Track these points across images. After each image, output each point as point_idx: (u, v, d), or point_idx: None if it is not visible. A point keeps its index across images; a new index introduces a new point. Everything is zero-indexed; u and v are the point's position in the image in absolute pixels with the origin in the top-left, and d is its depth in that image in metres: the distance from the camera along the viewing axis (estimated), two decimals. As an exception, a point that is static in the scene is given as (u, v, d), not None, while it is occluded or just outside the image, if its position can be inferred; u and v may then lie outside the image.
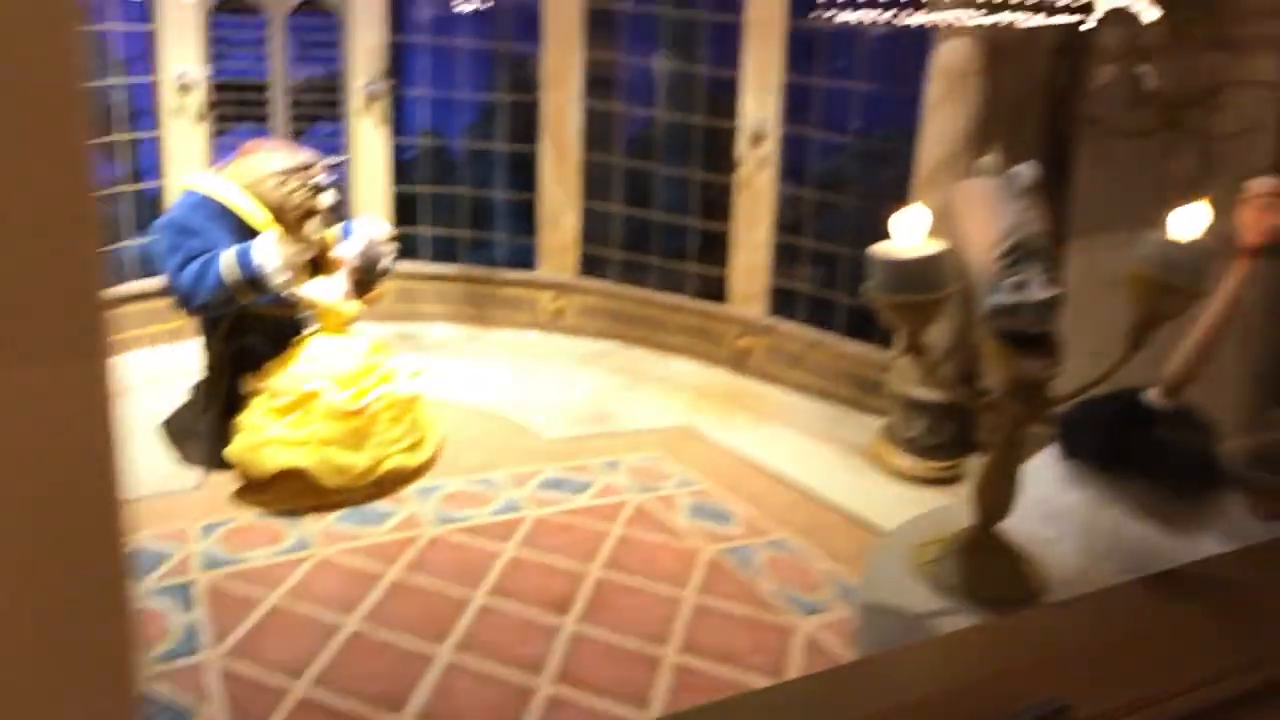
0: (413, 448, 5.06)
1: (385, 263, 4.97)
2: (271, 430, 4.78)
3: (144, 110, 6.26)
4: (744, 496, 5.23)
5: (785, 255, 6.61)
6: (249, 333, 5.01)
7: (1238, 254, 3.75)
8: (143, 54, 6.16)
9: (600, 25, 6.81)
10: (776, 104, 6.42)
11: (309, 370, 4.84)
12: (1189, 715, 1.56)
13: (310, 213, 4.95)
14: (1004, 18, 4.94)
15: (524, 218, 7.14)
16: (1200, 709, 1.57)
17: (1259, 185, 3.72)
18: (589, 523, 4.88)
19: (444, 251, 7.22)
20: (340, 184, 5.10)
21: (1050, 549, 3.74)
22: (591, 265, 7.15)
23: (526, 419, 5.89)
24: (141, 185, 6.26)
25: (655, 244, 7.01)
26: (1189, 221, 3.01)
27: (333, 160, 5.17)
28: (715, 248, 6.82)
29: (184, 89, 6.20)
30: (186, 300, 4.79)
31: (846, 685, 1.97)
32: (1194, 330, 3.80)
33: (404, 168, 7.06)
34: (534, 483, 5.21)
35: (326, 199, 4.95)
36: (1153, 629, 1.90)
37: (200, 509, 4.76)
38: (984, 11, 4.84)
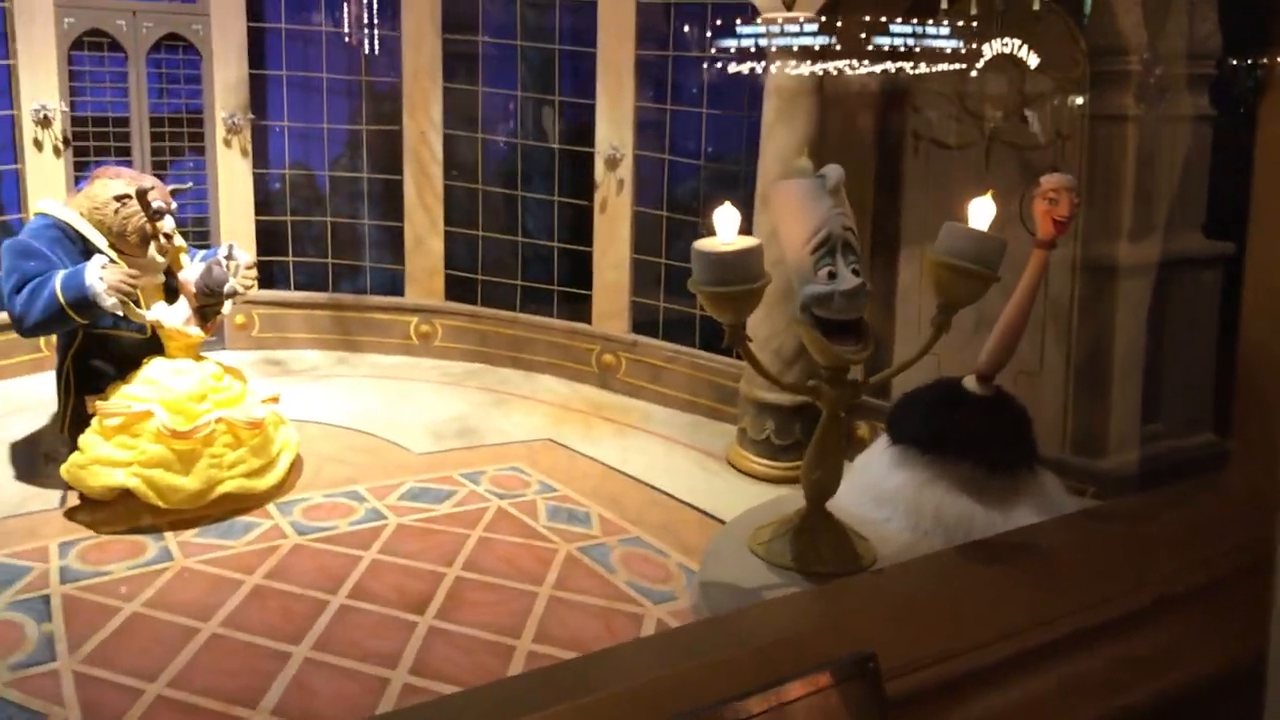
0: (258, 472, 5.04)
1: (229, 287, 5.02)
2: (99, 450, 4.80)
3: (5, 144, 6.28)
4: (602, 500, 5.44)
5: (643, 274, 6.90)
6: (96, 355, 5.06)
7: (1035, 246, 4.14)
8: (2, 88, 6.20)
9: (458, 58, 7.06)
10: (629, 129, 6.73)
11: (141, 392, 4.89)
12: (989, 667, 1.70)
13: (150, 237, 5.03)
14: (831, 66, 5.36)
15: (391, 245, 7.31)
16: (999, 661, 1.72)
17: (1047, 181, 4.11)
18: (450, 528, 5.03)
19: (312, 279, 7.34)
20: (177, 210, 5.16)
21: (881, 528, 4.03)
22: (457, 289, 7.34)
23: (393, 436, 6.03)
24: (4, 218, 6.27)
25: (520, 267, 7.24)
26: (981, 213, 3.33)
27: (177, 186, 5.26)
28: (578, 269, 7.08)
29: (43, 122, 6.25)
30: (19, 321, 4.83)
31: (662, 646, 2.13)
32: (999, 320, 4.17)
33: (271, 198, 7.18)
34: (396, 494, 5.34)
35: (166, 224, 5.04)
36: (959, 591, 2.08)
37: (60, 527, 4.78)
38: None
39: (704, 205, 6.51)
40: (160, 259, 5.06)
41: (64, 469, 4.82)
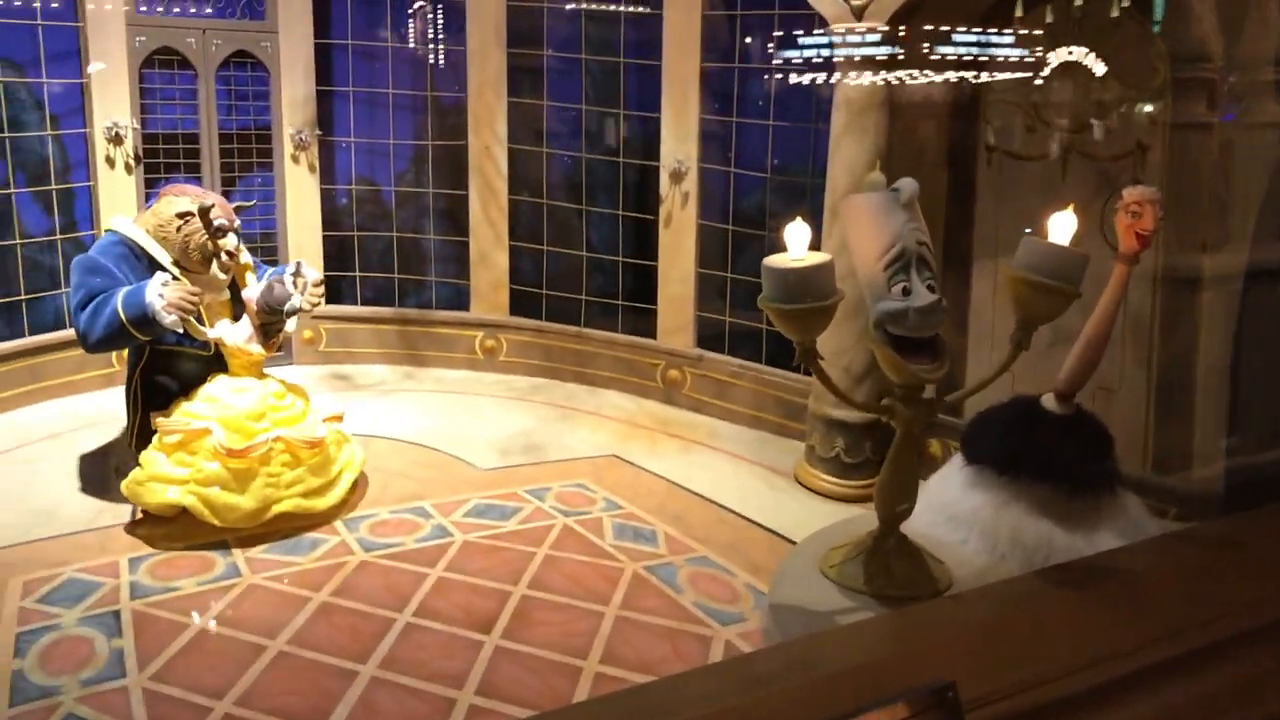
0: (316, 492, 5.01)
1: (290, 305, 5.01)
2: (158, 466, 4.83)
3: (79, 161, 6.39)
4: (668, 518, 5.37)
5: (709, 288, 6.83)
6: (162, 371, 5.10)
7: (1117, 261, 4.00)
8: (78, 107, 6.30)
9: (523, 72, 7.06)
10: (694, 142, 6.67)
11: (201, 409, 4.90)
12: (1072, 697, 1.65)
13: (212, 254, 5.06)
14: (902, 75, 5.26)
15: (456, 260, 7.32)
16: (1082, 691, 1.66)
17: (1130, 193, 3.97)
18: (515, 545, 4.99)
19: (379, 294, 7.37)
20: (240, 227, 5.17)
21: (956, 550, 3.90)
22: (522, 304, 7.33)
23: (458, 452, 6.01)
24: (78, 234, 6.38)
25: (584, 281, 7.21)
26: (1061, 227, 3.21)
27: (240, 204, 5.28)
28: (642, 283, 7.03)
29: (115, 139, 6.35)
30: (84, 338, 4.88)
31: (733, 673, 2.06)
32: (1080, 336, 4.03)
33: (338, 214, 7.23)
34: (462, 510, 5.32)
35: (229, 241, 5.06)
36: (1040, 617, 1.99)
37: (130, 542, 4.81)
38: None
39: (770, 219, 6.42)
40: (223, 276, 5.08)
41: (125, 484, 4.86)
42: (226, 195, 6.86)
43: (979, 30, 5.29)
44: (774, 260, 3.06)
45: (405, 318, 7.32)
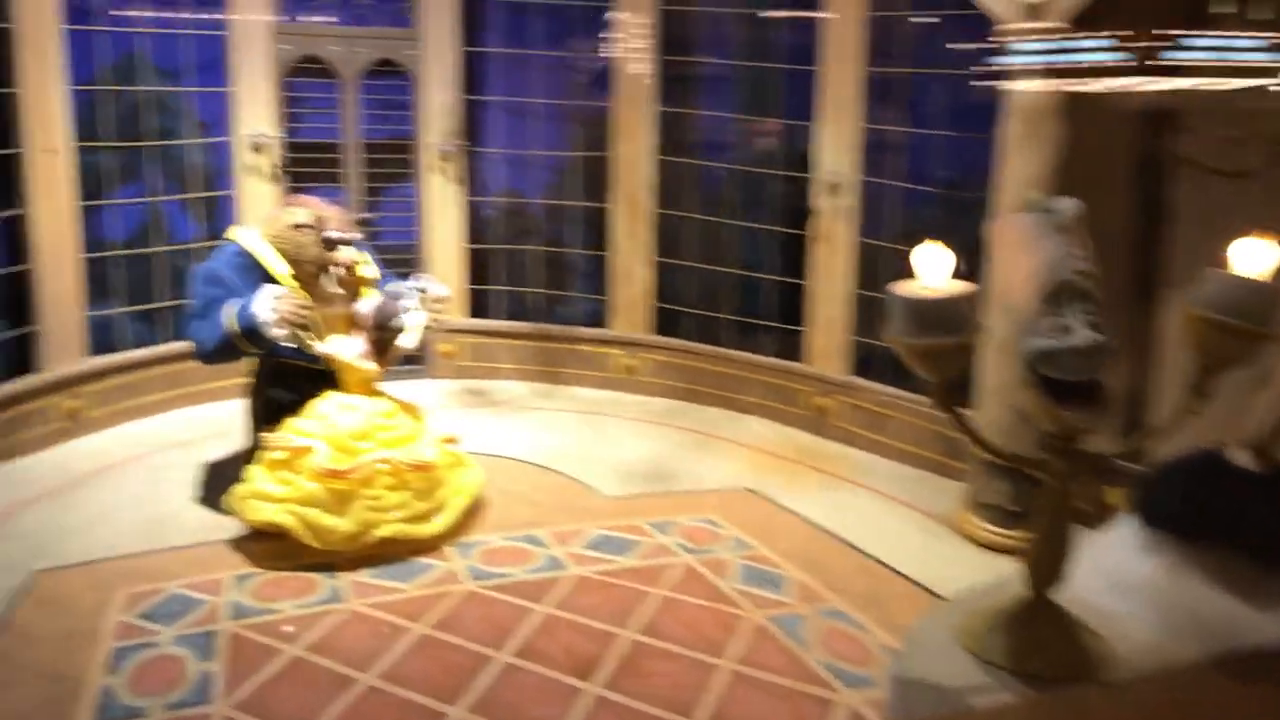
0: (421, 517, 4.79)
1: (400, 321, 4.82)
2: (261, 483, 4.70)
3: (224, 170, 6.44)
4: (802, 562, 4.91)
5: (866, 310, 6.34)
6: (280, 384, 5.00)
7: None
8: (224, 116, 6.35)
9: (673, 79, 6.75)
10: (853, 153, 6.20)
11: (308, 426, 4.76)
12: None
13: (326, 267, 4.91)
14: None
15: (598, 275, 7.07)
16: None
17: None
18: (630, 584, 4.64)
19: (518, 309, 7.19)
20: (358, 241, 5.02)
21: (1120, 623, 3.35)
22: (665, 322, 7.01)
23: (584, 477, 5.72)
24: (219, 242, 6.41)
25: (730, 300, 6.83)
26: (1253, 257, 2.71)
27: (361, 216, 5.13)
28: (792, 304, 6.59)
29: (258, 149, 6.36)
30: (198, 348, 4.83)
31: None
32: (1277, 380, 3.42)
33: (479, 225, 7.08)
34: (579, 541, 5.01)
35: (344, 254, 4.91)
36: (1220, 712, 1.80)
37: (238, 558, 4.71)
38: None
39: (937, 236, 5.85)
40: (337, 290, 4.93)
41: (229, 499, 4.77)
42: (368, 207, 6.83)
43: (1174, 29, 4.65)
44: (903, 287, 2.66)
45: (544, 333, 7.11)
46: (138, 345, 6.23)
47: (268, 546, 4.72)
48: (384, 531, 4.65)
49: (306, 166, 6.64)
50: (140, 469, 5.62)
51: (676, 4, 6.71)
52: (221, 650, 4.05)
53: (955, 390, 2.72)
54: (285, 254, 4.90)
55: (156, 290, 6.23)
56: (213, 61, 6.28)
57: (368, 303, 4.89)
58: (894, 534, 5.25)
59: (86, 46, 5.88)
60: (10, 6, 5.44)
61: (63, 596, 4.37)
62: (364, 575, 4.62)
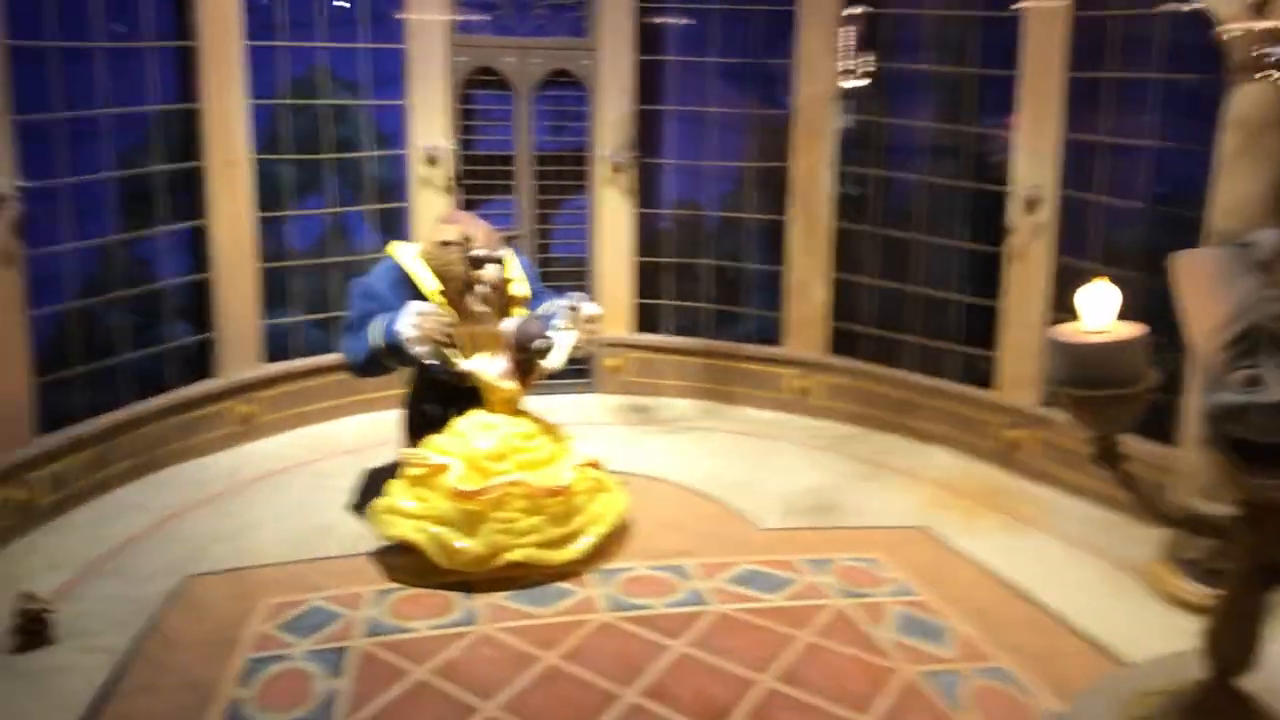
0: (555, 543, 4.61)
1: (540, 344, 4.67)
2: (398, 498, 4.66)
3: (401, 182, 6.53)
4: (968, 612, 4.48)
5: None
6: (432, 399, 4.97)
7: None
8: (401, 128, 6.44)
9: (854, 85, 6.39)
10: (1054, 165, 5.67)
11: (446, 444, 4.68)
12: None
13: (471, 285, 4.83)
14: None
15: (772, 291, 6.77)
16: None
17: None
18: (775, 625, 4.33)
19: (688, 324, 6.97)
20: (507, 258, 4.91)
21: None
22: (842, 342, 6.63)
23: (741, 505, 5.44)
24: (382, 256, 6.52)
25: (913, 320, 6.39)
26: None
27: (510, 234, 5.02)
28: (982, 326, 6.10)
29: (432, 161, 6.40)
30: (350, 360, 4.84)
31: None
32: None
33: (650, 238, 6.91)
34: (726, 575, 4.74)
35: (489, 272, 4.81)
36: None
37: (380, 572, 4.69)
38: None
39: (1145, 257, 5.27)
40: (481, 308, 4.84)
41: (370, 512, 4.75)
42: (541, 219, 6.78)
43: None
44: (1066, 331, 2.33)
45: (713, 350, 6.86)
46: (313, 352, 6.38)
47: (410, 561, 4.67)
48: (514, 555, 4.52)
49: (480, 178, 6.65)
50: (304, 476, 5.74)
51: (858, 6, 6.35)
52: (350, 668, 4.01)
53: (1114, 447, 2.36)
54: (434, 271, 4.87)
55: (333, 299, 6.36)
56: (393, 75, 6.37)
57: (511, 322, 4.79)
58: (1077, 585, 4.73)
59: (268, 61, 6.06)
60: (195, 26, 5.66)
61: (210, 602, 4.46)
62: (500, 598, 4.51)
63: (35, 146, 5.07)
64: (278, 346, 6.31)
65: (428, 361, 4.68)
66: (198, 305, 5.96)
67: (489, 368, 4.78)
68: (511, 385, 4.76)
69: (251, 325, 6.09)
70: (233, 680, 3.92)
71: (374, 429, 6.21)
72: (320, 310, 6.41)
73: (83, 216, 5.37)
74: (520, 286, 5.05)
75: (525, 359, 4.73)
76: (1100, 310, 2.33)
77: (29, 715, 3.71)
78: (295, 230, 6.32)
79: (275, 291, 6.27)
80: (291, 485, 5.64)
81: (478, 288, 4.79)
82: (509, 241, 4.98)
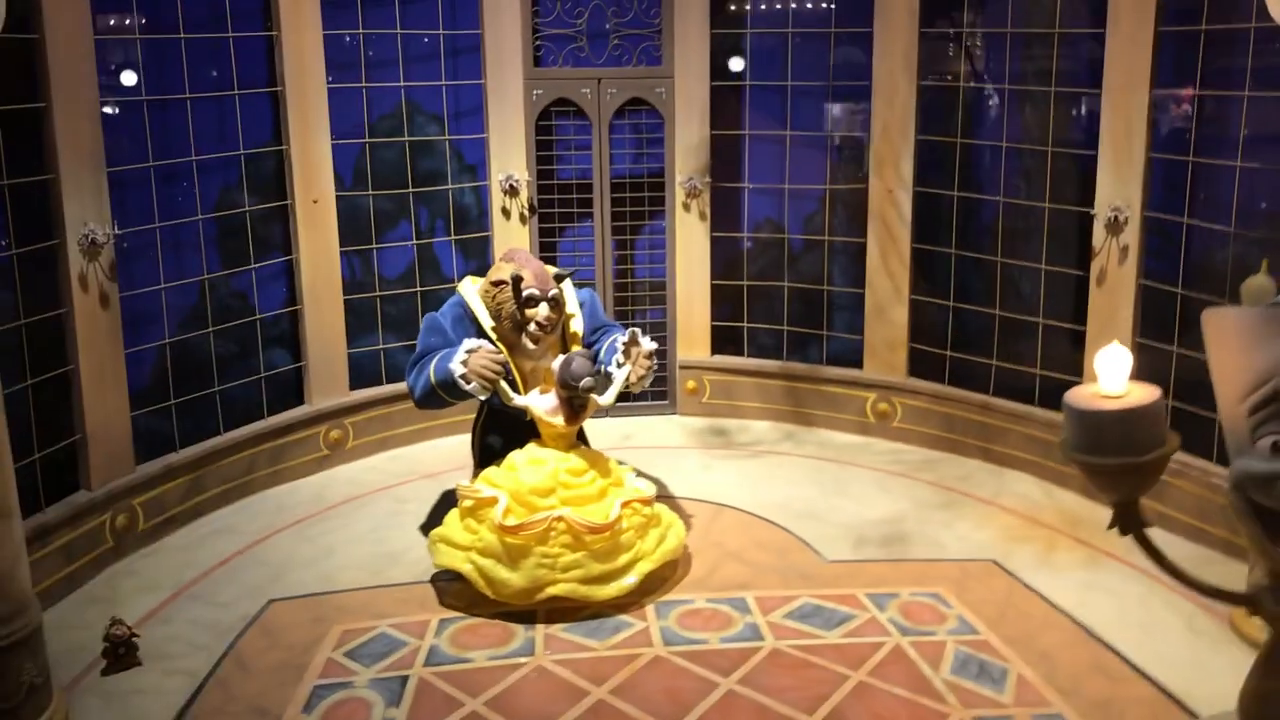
0: (598, 580, 4.66)
1: (586, 384, 4.73)
2: (451, 529, 4.80)
3: (484, 212, 6.70)
4: (1031, 654, 4.38)
5: (1150, 362, 5.58)
6: (495, 430, 5.11)
7: None
8: (479, 160, 6.61)
9: (935, 105, 6.26)
10: (1140, 184, 5.48)
11: (497, 477, 4.80)
12: None
13: (524, 324, 4.94)
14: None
15: (851, 313, 6.70)
16: None
17: None
18: (829, 663, 4.32)
19: (767, 347, 6.95)
20: (559, 296, 5.02)
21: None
22: (922, 365, 6.53)
23: (809, 536, 5.42)
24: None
25: (995, 343, 6.24)
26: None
27: (560, 271, 5.10)
28: (1067, 350, 5.93)
29: (510, 191, 6.55)
30: (411, 393, 5.00)
31: None
32: None
33: (728, 262, 6.91)
34: (785, 609, 4.74)
35: (540, 311, 4.91)
36: None
37: (448, 600, 4.83)
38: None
39: (1234, 281, 5.04)
40: (531, 345, 4.95)
41: (429, 539, 4.91)
42: (620, 244, 6.85)
43: None
44: (1079, 398, 2.28)
45: (792, 373, 6.83)
46: (399, 379, 6.58)
47: (470, 590, 4.80)
48: (556, 590, 4.61)
49: (560, 207, 6.78)
50: (385, 500, 5.94)
51: (935, 26, 6.23)
52: (408, 697, 4.16)
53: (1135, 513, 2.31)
54: (489, 308, 5.00)
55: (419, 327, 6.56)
56: (473, 109, 6.54)
57: (559, 360, 4.88)
58: (1152, 627, 4.57)
59: (356, 99, 6.29)
60: (280, 71, 5.92)
61: (284, 627, 4.68)
62: (558, 629, 4.61)
63: (135, 192, 5.40)
64: (371, 372, 6.54)
65: (481, 397, 4.82)
66: (293, 335, 6.23)
67: (540, 404, 4.89)
68: (557, 421, 4.85)
69: (338, 353, 6.33)
70: (296, 708, 4.10)
71: (456, 452, 6.38)
72: (410, 336, 6.60)
73: (181, 253, 5.68)
74: (577, 323, 5.14)
75: (571, 396, 4.81)
76: (1116, 374, 2.27)
77: (108, 737, 3.98)
78: (384, 260, 6.53)
79: (365, 319, 6.50)
80: (371, 510, 5.84)
81: (531, 327, 4.92)
82: (563, 279, 5.07)
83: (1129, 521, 2.35)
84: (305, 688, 4.24)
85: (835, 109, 6.60)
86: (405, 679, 4.28)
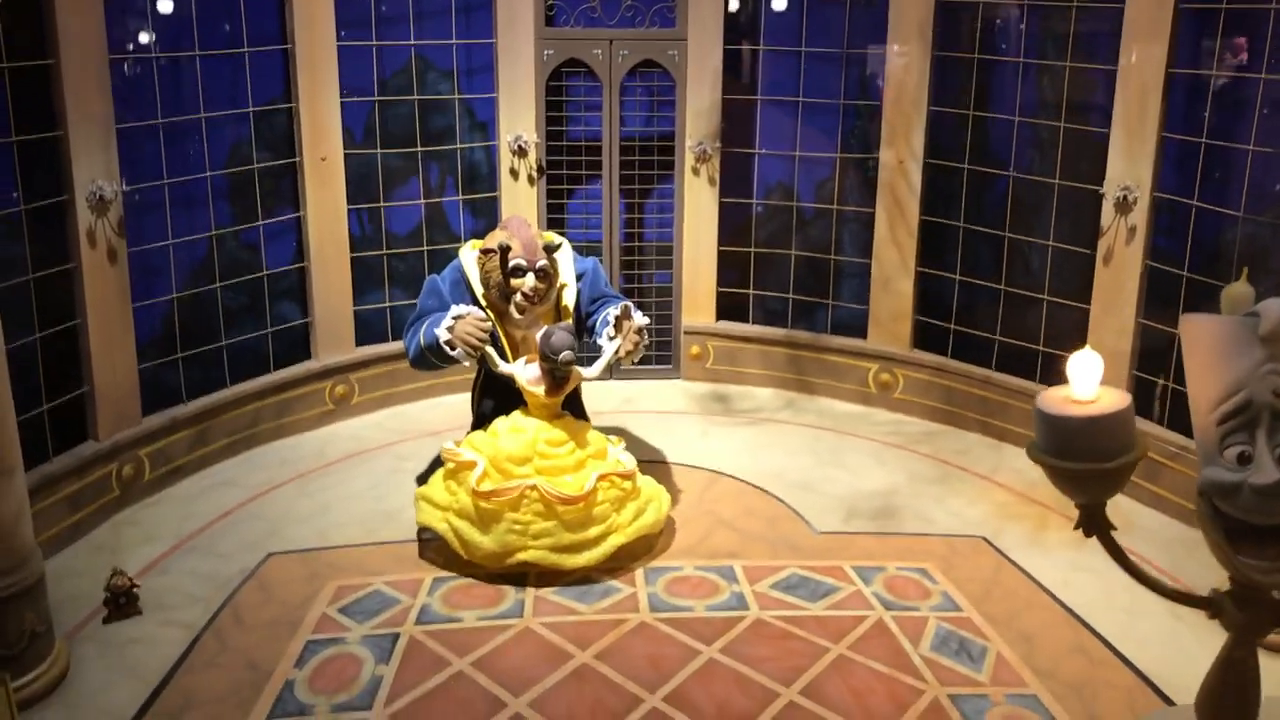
0: (569, 549, 4.73)
1: (565, 357, 4.76)
2: (434, 488, 4.90)
3: (492, 172, 6.69)
4: (1011, 633, 4.44)
5: (1152, 343, 5.57)
6: (490, 394, 5.18)
7: None
8: (488, 119, 6.60)
9: (949, 77, 6.19)
10: (1151, 164, 5.43)
11: (479, 442, 4.88)
12: None
13: (510, 293, 4.98)
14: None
15: (857, 283, 6.68)
16: None
17: None
18: (810, 635, 4.40)
19: (771, 315, 6.96)
20: (548, 267, 5.03)
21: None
22: (926, 337, 6.52)
23: (801, 506, 5.48)
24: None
25: (999, 318, 6.22)
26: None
27: (550, 243, 5.10)
28: (1071, 328, 5.91)
29: (519, 152, 6.54)
30: (407, 354, 5.08)
31: None
32: None
33: (735, 228, 6.89)
34: (771, 580, 4.81)
35: (527, 282, 4.94)
36: None
37: (443, 561, 4.91)
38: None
39: (1239, 267, 5.00)
40: (516, 315, 5.00)
41: (415, 495, 5.01)
42: (628, 208, 6.85)
43: None
44: (1049, 401, 2.31)
45: (796, 341, 6.84)
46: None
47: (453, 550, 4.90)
48: (526, 556, 4.70)
49: (569, 168, 6.76)
50: (386, 458, 6.03)
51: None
52: (398, 655, 4.26)
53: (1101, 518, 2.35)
54: (480, 276, 5.05)
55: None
56: (483, 67, 6.51)
57: (541, 332, 4.91)
58: (1136, 611, 4.59)
59: (366, 56, 6.26)
60: (289, 29, 5.91)
61: (280, 582, 4.79)
62: (549, 592, 4.70)
63: (145, 148, 5.45)
64: (378, 329, 6.59)
65: (465, 363, 4.88)
66: (300, 290, 6.29)
67: (524, 373, 4.94)
68: (538, 391, 4.91)
69: (344, 310, 6.38)
70: (288, 662, 4.22)
71: (457, 411, 6.43)
72: (415, 294, 6.63)
73: (191, 209, 5.73)
74: (569, 294, 5.17)
75: (552, 368, 4.85)
76: (1086, 379, 2.28)
77: (104, 684, 4.10)
78: (394, 217, 6.56)
79: (372, 277, 6.54)
80: (371, 467, 5.93)
81: (520, 296, 4.96)
82: (554, 250, 5.08)
83: (1094, 524, 2.38)
84: (298, 643, 4.36)
85: (848, 78, 6.51)
86: (396, 637, 4.39)
